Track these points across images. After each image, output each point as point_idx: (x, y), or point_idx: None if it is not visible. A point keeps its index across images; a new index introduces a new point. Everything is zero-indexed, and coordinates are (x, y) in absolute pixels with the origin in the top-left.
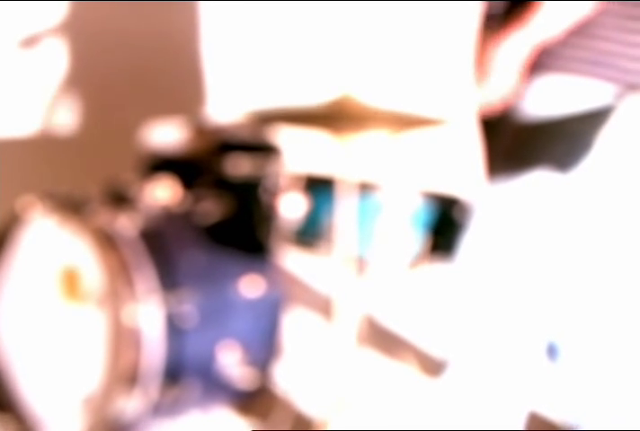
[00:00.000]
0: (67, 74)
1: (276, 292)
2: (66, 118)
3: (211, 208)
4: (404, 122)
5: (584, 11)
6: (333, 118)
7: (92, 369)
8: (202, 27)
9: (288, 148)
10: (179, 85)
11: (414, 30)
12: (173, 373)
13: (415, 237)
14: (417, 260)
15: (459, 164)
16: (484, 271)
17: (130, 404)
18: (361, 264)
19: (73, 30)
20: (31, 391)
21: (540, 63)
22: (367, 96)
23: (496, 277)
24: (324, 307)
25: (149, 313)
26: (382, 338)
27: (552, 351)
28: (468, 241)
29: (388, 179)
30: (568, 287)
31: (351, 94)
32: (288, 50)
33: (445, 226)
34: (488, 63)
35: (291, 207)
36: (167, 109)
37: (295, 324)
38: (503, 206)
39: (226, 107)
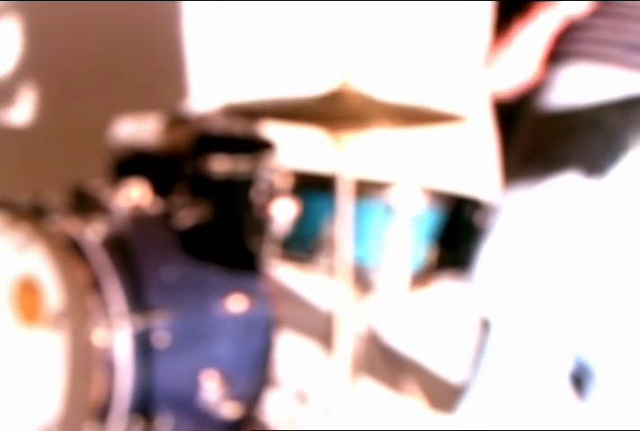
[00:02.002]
0: (24, 61)
1: (265, 311)
2: (23, 112)
3: (190, 212)
4: (413, 117)
5: None
6: (330, 111)
7: (51, 399)
8: (181, 11)
9: (279, 145)
10: (154, 74)
11: (422, 9)
12: (145, 405)
13: (422, 246)
14: (425, 274)
15: (473, 161)
16: (506, 288)
17: None
18: (362, 278)
19: (33, 12)
20: None
21: (564, 49)
22: (368, 86)
23: (520, 293)
24: (320, 328)
25: (117, 336)
26: (385, 365)
27: (584, 377)
28: (486, 253)
29: (392, 180)
30: (600, 303)
31: (350, 84)
32: (278, 33)
33: (458, 234)
34: (505, 46)
35: (284, 212)
36: (140, 101)
37: (287, 349)
38: (527, 214)
39: (208, 98)
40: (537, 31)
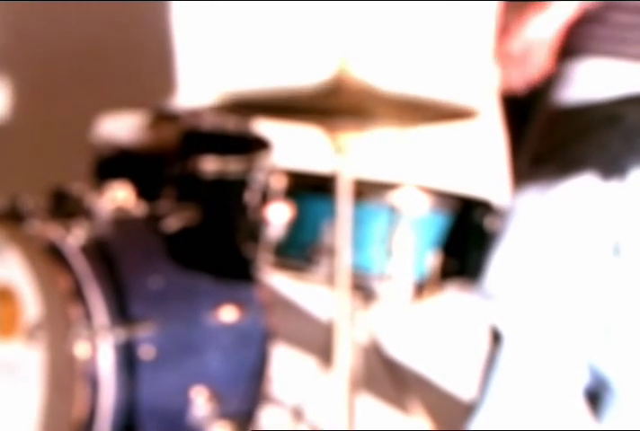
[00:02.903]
0: (1, 53)
1: (259, 322)
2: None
3: (178, 216)
4: (418, 111)
5: None
6: (327, 104)
7: (30, 415)
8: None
9: (274, 143)
10: (139, 67)
11: None
12: (129, 423)
13: (427, 253)
14: (430, 283)
15: (482, 160)
16: (519, 297)
17: None
18: (363, 287)
19: (13, 4)
20: None
21: (581, 45)
22: (370, 75)
23: (533, 303)
24: (318, 340)
25: (100, 349)
26: (388, 380)
27: (602, 393)
28: (497, 260)
29: (395, 181)
30: (620, 313)
31: (349, 73)
32: (269, 18)
33: (466, 239)
34: (515, 37)
35: (280, 216)
36: (124, 96)
37: (282, 362)
38: (540, 219)
39: (197, 93)
40: (549, 21)
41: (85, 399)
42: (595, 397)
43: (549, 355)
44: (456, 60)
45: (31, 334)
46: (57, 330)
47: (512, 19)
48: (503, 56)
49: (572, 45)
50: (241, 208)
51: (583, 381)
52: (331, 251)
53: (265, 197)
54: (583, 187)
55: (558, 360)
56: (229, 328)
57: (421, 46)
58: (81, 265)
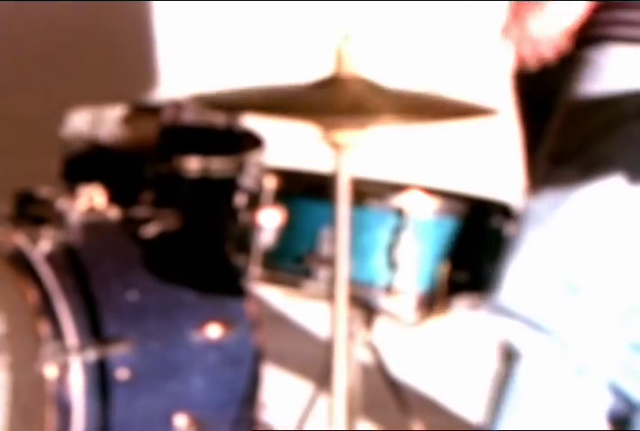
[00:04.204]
0: None
1: (248, 340)
2: None
3: (157, 221)
4: (424, 110)
5: None
6: (325, 102)
7: None
8: None
9: (266, 141)
10: (115, 57)
11: None
12: None
13: (433, 263)
14: (438, 297)
15: (495, 160)
16: (537, 312)
17: None
18: (365, 301)
19: None
20: None
21: (601, 33)
22: (371, 71)
23: (553, 319)
24: (315, 361)
25: (70, 370)
26: (392, 402)
27: (630, 417)
28: (512, 272)
29: (399, 184)
30: None
31: (349, 68)
32: (264, 8)
33: (476, 248)
34: (528, 12)
35: (272, 222)
36: (98, 88)
37: (275, 385)
38: (560, 226)
39: (180, 85)
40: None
41: (54, 424)
42: (625, 421)
43: (570, 375)
44: (465, 53)
45: None
46: (24, 349)
47: None
48: (516, 31)
49: (595, 32)
50: (228, 213)
51: (606, 403)
52: (329, 262)
53: (256, 201)
54: (610, 190)
55: (579, 381)
56: (215, 346)
57: (426, 37)
58: (50, 276)
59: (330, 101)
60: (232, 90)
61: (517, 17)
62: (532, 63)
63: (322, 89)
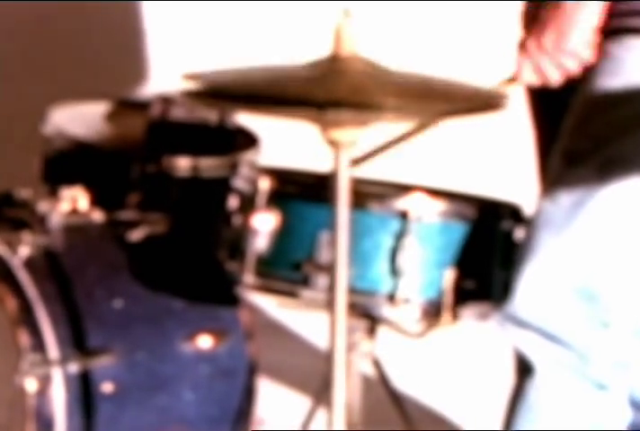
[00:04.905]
0: None
1: (241, 352)
2: None
3: (144, 224)
4: (432, 97)
5: None
6: (322, 89)
7: None
8: None
9: (261, 138)
10: (100, 48)
11: None
12: None
13: (440, 270)
14: (445, 306)
15: (506, 159)
16: (552, 323)
17: None
18: (366, 310)
19: None
20: None
21: (619, 24)
22: (374, 52)
23: (569, 330)
24: (314, 373)
25: (52, 383)
26: (396, 417)
27: None
28: (528, 279)
29: (402, 185)
30: None
31: (349, 48)
32: None
33: (487, 254)
34: (548, 23)
35: (267, 226)
36: (81, 82)
37: (271, 399)
38: (578, 230)
39: (169, 77)
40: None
41: None
42: None
43: (590, 390)
44: (477, 36)
45: None
46: (2, 361)
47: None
48: (534, 44)
49: (613, 23)
50: (220, 216)
51: (626, 417)
52: (328, 269)
53: (249, 203)
54: (630, 192)
55: (600, 396)
56: (206, 358)
57: (436, 17)
58: (29, 284)
59: (327, 84)
60: (223, 75)
61: (534, 31)
62: (555, 79)
63: (319, 78)
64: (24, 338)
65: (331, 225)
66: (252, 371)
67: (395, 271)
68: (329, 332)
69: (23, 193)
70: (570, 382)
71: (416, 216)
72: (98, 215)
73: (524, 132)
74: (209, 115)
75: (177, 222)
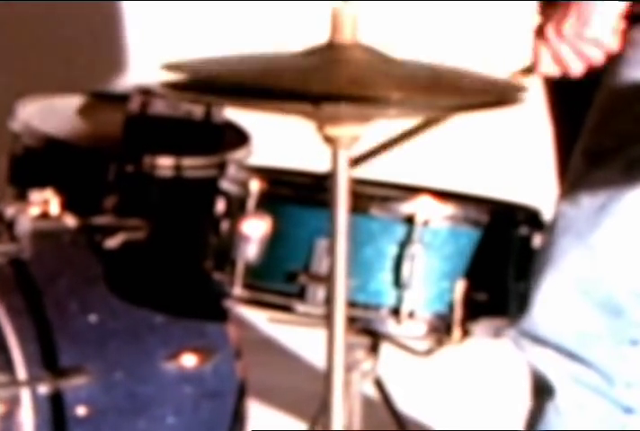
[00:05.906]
0: None
1: (228, 371)
2: None
3: (122, 230)
4: (440, 89)
5: None
6: (318, 78)
7: None
8: None
9: (252, 135)
10: (75, 37)
11: None
12: None
13: (448, 281)
14: (454, 321)
15: (521, 160)
16: (573, 339)
17: None
18: (367, 325)
19: None
20: None
21: None
22: (376, 40)
23: (591, 348)
24: (310, 394)
25: (20, 406)
26: None
27: None
28: (546, 291)
29: (410, 186)
30: None
31: (350, 35)
32: None
33: (500, 263)
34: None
35: (259, 232)
36: (53, 74)
37: (261, 423)
38: (600, 236)
39: (150, 68)
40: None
41: None
42: None
43: (616, 414)
44: (490, 22)
45: None
46: None
47: None
48: (553, 30)
49: (630, 13)
50: (206, 221)
51: None
52: (325, 280)
53: (239, 207)
54: None
55: (627, 421)
56: (191, 378)
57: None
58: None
59: (325, 75)
60: (211, 64)
61: (553, 16)
62: (576, 69)
63: (315, 69)
64: None
65: (328, 232)
66: (241, 392)
67: (399, 282)
68: (326, 350)
69: None
70: (593, 405)
71: (423, 222)
72: (71, 221)
73: (542, 129)
74: (194, 109)
75: (158, 228)
